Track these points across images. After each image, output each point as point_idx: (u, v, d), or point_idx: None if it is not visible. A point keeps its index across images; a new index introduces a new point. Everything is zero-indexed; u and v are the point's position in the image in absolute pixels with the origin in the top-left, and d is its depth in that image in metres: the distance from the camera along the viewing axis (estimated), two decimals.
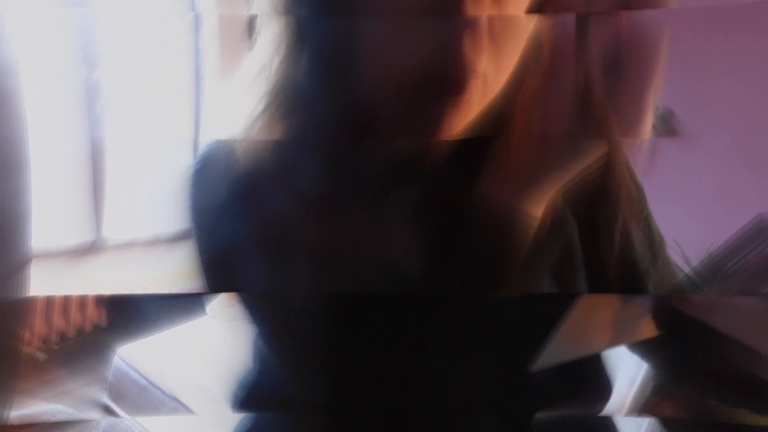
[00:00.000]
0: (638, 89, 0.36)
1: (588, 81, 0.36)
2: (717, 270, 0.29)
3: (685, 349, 0.48)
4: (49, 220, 2.87)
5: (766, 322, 0.34)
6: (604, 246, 0.54)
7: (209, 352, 2.49)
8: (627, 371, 2.24)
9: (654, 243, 0.58)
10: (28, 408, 2.15)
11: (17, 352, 0.97)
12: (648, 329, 0.46)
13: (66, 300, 2.77)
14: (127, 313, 2.71)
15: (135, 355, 2.23)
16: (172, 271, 3.49)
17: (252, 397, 0.61)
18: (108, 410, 2.23)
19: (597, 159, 0.37)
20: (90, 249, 3.11)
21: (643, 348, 0.58)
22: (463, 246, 0.42)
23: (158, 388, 2.10)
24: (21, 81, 0.81)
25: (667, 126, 2.61)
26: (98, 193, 3.10)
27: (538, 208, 0.40)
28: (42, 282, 2.67)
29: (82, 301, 2.75)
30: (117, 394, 2.20)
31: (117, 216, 3.15)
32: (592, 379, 0.59)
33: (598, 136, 0.36)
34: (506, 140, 0.41)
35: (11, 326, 0.91)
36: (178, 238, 3.49)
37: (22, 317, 0.95)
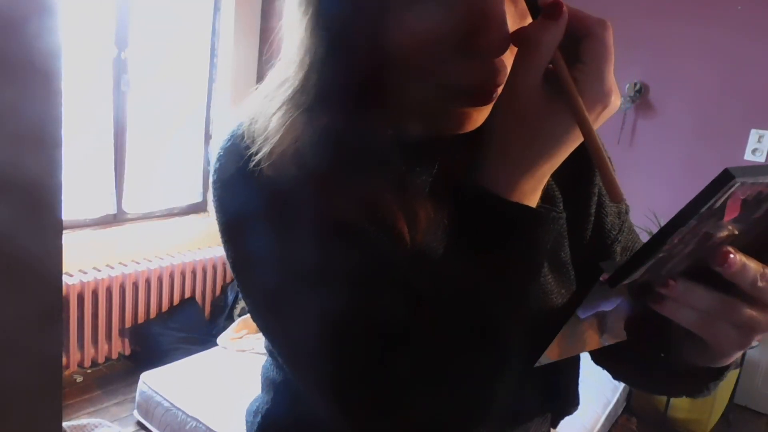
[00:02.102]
0: (597, 70, 0.39)
1: (556, 69, 0.39)
2: (686, 217, 0.32)
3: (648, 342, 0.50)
4: (76, 195, 2.90)
5: (717, 315, 0.38)
6: (583, 216, 0.57)
7: (221, 378, 2.53)
8: (603, 394, 2.26)
9: (621, 212, 0.61)
10: (75, 420, 2.27)
11: (60, 374, 1.02)
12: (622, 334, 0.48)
13: (95, 330, 2.84)
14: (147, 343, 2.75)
15: (157, 380, 2.34)
16: (185, 241, 3.52)
17: (267, 423, 0.64)
18: (141, 426, 2.34)
19: (578, 137, 0.40)
20: (112, 221, 3.15)
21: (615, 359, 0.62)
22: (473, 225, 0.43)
23: (180, 410, 2.22)
24: (61, 62, 0.84)
25: (644, 99, 2.65)
26: (119, 170, 3.13)
27: (533, 186, 0.41)
28: (71, 250, 2.72)
29: (108, 332, 2.80)
30: (146, 413, 2.33)
31: (135, 191, 3.17)
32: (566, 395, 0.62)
33: (571, 113, 0.38)
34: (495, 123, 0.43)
35: (53, 353, 0.95)
36: (190, 211, 3.54)
37: (61, 344, 1.00)
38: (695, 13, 2.89)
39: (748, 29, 2.77)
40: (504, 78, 0.41)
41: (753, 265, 0.36)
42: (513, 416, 0.56)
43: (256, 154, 0.45)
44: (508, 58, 0.41)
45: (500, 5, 0.39)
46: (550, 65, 0.39)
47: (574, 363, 0.62)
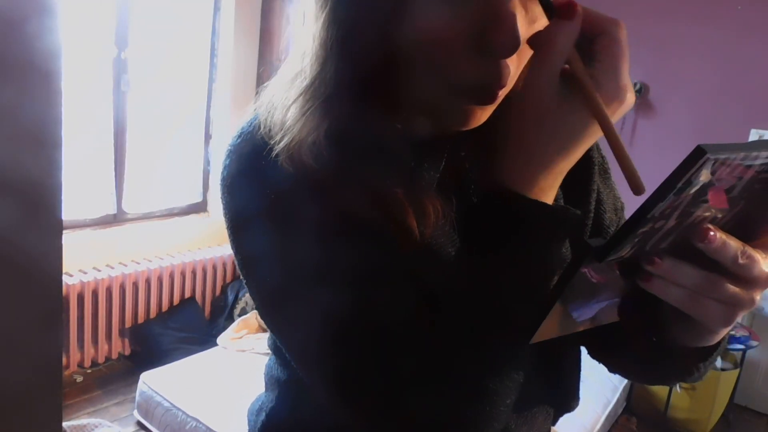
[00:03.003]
0: (612, 68, 0.40)
1: (572, 68, 0.40)
2: (664, 191, 0.34)
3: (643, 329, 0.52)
4: (76, 195, 2.91)
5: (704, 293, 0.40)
6: (583, 212, 0.57)
7: (222, 378, 2.53)
8: (603, 394, 2.25)
9: (618, 209, 0.63)
10: (75, 420, 2.28)
11: (60, 374, 1.03)
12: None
13: (95, 330, 2.84)
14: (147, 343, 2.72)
15: (157, 380, 2.34)
16: (185, 241, 3.52)
17: (271, 422, 0.64)
18: (141, 426, 2.35)
19: (595, 134, 0.41)
20: (112, 221, 3.16)
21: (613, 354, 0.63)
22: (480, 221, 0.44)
23: (180, 410, 2.22)
24: (61, 62, 0.84)
25: (644, 99, 2.68)
26: (119, 170, 3.13)
27: (546, 183, 0.43)
28: (71, 250, 2.73)
29: (108, 332, 2.78)
30: (146, 413, 2.33)
31: (135, 191, 3.16)
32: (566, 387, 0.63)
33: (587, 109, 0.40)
34: (507, 120, 0.44)
35: (53, 353, 0.95)
36: (190, 211, 3.55)
37: (61, 344, 1.00)
38: (695, 14, 2.89)
39: (748, 29, 2.77)
40: (509, 79, 0.42)
41: (733, 243, 0.37)
42: (517, 410, 0.56)
43: (276, 145, 0.45)
44: (515, 61, 0.42)
45: (511, 7, 0.40)
46: (566, 65, 0.40)
47: (575, 358, 0.62)
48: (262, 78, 3.15)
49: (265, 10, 3.15)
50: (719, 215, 0.37)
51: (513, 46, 0.40)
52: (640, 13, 2.97)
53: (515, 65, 0.43)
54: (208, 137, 3.19)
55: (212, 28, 3.07)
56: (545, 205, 0.43)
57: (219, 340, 2.67)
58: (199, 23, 3.02)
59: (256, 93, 0.52)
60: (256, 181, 0.47)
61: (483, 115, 0.45)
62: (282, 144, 0.45)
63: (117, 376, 2.66)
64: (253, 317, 2.81)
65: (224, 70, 3.10)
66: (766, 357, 2.82)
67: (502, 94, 0.44)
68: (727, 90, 2.85)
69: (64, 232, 0.93)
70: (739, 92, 2.83)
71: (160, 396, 2.17)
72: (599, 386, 2.49)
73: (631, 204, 0.66)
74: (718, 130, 2.88)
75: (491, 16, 0.40)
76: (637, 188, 0.37)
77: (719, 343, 0.49)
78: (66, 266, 2.47)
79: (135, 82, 2.71)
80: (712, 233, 0.36)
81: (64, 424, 2.06)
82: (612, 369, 0.66)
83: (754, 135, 2.82)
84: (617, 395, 2.58)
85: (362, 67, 0.44)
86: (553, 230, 0.43)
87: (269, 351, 0.66)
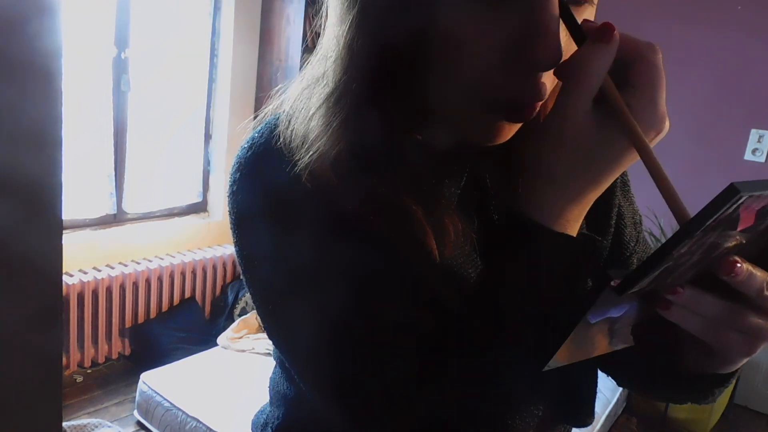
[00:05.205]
0: (650, 96, 0.38)
1: (607, 95, 0.38)
2: (691, 229, 0.32)
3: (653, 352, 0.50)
4: (76, 195, 2.91)
5: (724, 320, 0.38)
6: (603, 229, 0.56)
7: (222, 378, 2.52)
8: (603, 394, 2.26)
9: (637, 222, 0.61)
10: (75, 420, 2.28)
11: (60, 374, 1.02)
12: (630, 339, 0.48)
13: (95, 330, 2.84)
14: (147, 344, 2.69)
15: (157, 380, 2.34)
16: (185, 241, 3.52)
17: None
18: (141, 426, 2.34)
19: (627, 162, 0.39)
20: (112, 221, 3.16)
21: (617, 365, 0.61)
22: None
23: (180, 410, 2.22)
24: (61, 62, 0.84)
25: None
26: (119, 170, 3.13)
27: (577, 211, 0.41)
28: (71, 250, 2.70)
29: (108, 332, 2.77)
30: (146, 413, 2.33)
31: (135, 191, 3.16)
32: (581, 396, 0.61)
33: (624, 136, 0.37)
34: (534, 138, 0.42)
35: (53, 353, 0.95)
36: (190, 211, 3.54)
37: (61, 344, 1.00)
38: (695, 14, 2.89)
39: (748, 29, 2.77)
40: (545, 96, 0.41)
41: (759, 274, 0.36)
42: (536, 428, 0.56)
43: (300, 161, 0.43)
44: (550, 77, 0.41)
45: (556, 20, 0.38)
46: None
47: (593, 377, 0.61)
48: (262, 78, 3.14)
49: (265, 10, 3.15)
50: (743, 241, 0.35)
51: (556, 59, 0.38)
52: (639, 12, 2.97)
53: (550, 81, 0.41)
54: (208, 137, 3.19)
55: (212, 28, 3.06)
56: (571, 238, 0.41)
57: (219, 340, 2.67)
58: (199, 23, 3.01)
59: (268, 96, 0.50)
60: (266, 181, 0.46)
61: (511, 130, 0.44)
62: (305, 160, 0.43)
63: (117, 376, 2.66)
64: (253, 317, 2.81)
65: (224, 70, 3.10)
66: (766, 357, 2.82)
67: (536, 111, 0.42)
68: (727, 90, 2.85)
69: (64, 232, 0.93)
70: (739, 92, 2.83)
71: (160, 396, 2.17)
72: (599, 386, 2.49)
73: (638, 207, 0.65)
74: (718, 130, 2.88)
75: (534, 26, 0.37)
76: (683, 222, 0.35)
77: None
78: (66, 266, 2.47)
79: (135, 82, 2.70)
80: (738, 266, 0.35)
81: (64, 424, 2.06)
82: (620, 383, 0.64)
83: (754, 135, 2.82)
84: (617, 395, 2.58)
85: (390, 73, 0.42)
86: (579, 263, 0.42)
87: (270, 352, 0.64)
